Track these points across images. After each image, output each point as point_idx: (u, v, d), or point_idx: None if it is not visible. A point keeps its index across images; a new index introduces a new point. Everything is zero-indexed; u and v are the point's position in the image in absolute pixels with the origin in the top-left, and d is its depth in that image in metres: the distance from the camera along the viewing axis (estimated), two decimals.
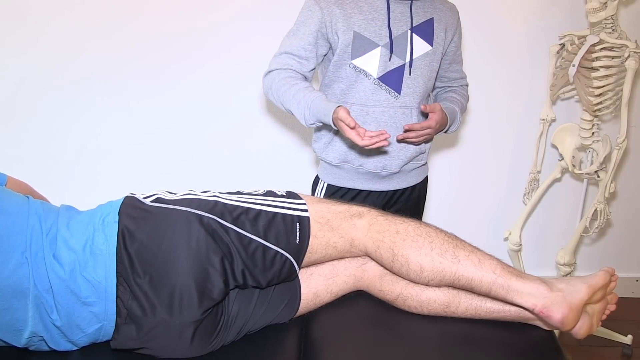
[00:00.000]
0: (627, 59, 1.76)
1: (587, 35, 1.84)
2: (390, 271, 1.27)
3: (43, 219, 1.13)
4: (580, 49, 1.84)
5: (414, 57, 1.51)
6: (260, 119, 2.16)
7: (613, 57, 1.79)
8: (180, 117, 2.14)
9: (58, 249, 1.10)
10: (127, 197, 1.20)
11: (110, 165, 2.18)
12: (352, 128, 1.36)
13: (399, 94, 1.52)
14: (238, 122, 2.16)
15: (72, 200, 1.37)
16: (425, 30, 1.51)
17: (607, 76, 1.81)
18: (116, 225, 1.13)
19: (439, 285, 1.24)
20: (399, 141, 1.54)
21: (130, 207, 1.16)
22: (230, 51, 2.07)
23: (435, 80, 1.64)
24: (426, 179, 1.73)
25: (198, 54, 2.07)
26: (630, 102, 1.81)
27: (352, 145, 1.57)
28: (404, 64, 1.50)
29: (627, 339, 2.09)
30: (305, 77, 1.55)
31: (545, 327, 1.24)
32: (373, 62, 1.49)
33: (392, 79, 1.51)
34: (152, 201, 1.18)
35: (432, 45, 1.52)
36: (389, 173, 1.60)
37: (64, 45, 2.03)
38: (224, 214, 1.16)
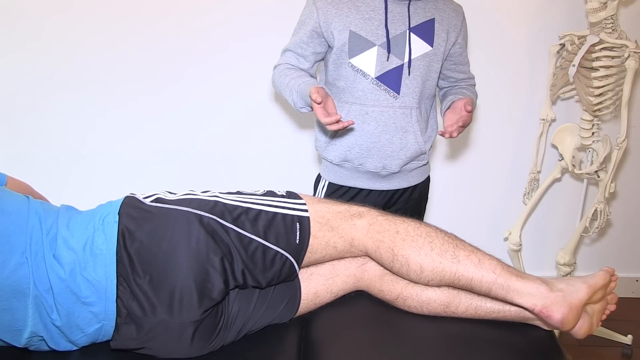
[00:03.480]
0: (627, 59, 1.76)
1: (587, 35, 1.84)
2: (390, 271, 1.27)
3: (43, 219, 1.13)
4: (580, 49, 1.84)
5: (412, 57, 1.51)
6: (261, 117, 2.16)
7: (613, 57, 1.79)
8: (181, 116, 2.14)
9: (58, 249, 1.10)
10: (127, 197, 1.20)
11: (110, 165, 2.18)
12: (318, 104, 1.36)
13: (398, 94, 1.52)
14: (240, 121, 2.16)
15: (71, 200, 1.37)
16: (425, 31, 1.51)
17: (607, 76, 1.81)
18: (116, 225, 1.13)
19: (439, 285, 1.24)
20: (441, 134, 1.51)
21: (131, 207, 1.16)
22: (231, 49, 2.07)
23: (439, 80, 1.63)
24: (428, 178, 1.73)
25: (199, 53, 2.07)
26: (630, 102, 1.81)
27: (352, 144, 1.58)
28: (403, 64, 1.51)
29: (627, 339, 2.09)
30: (308, 74, 1.57)
31: (545, 327, 1.24)
32: (370, 62, 1.50)
33: (391, 79, 1.51)
34: (152, 201, 1.18)
35: (432, 46, 1.52)
36: (389, 173, 1.61)
37: (63, 44, 2.03)
38: (224, 214, 1.16)
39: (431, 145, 1.65)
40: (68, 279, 1.09)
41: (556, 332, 1.28)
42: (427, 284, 1.24)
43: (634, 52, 1.75)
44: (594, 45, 1.80)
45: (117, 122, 2.13)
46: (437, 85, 1.64)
